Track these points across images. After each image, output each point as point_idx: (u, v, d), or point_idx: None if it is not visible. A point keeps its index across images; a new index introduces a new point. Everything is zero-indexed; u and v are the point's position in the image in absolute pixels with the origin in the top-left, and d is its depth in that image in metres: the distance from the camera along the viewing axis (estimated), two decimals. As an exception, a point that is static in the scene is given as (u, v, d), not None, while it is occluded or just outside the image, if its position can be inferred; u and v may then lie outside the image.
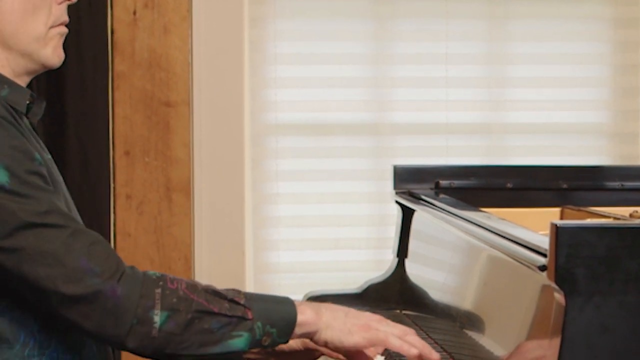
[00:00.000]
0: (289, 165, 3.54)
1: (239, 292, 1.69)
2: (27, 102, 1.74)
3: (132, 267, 1.64)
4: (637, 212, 2.37)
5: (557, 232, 1.50)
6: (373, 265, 3.44)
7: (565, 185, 2.57)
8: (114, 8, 3.37)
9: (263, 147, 3.54)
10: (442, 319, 2.11)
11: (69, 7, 1.78)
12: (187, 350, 1.64)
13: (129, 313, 1.60)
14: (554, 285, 1.52)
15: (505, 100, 3.62)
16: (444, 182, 2.55)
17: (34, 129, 1.78)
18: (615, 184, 2.57)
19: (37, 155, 1.65)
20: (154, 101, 3.39)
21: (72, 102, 3.32)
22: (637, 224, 1.59)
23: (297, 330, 1.69)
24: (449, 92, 3.59)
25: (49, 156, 1.75)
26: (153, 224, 3.36)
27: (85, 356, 1.72)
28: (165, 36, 3.39)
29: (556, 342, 1.51)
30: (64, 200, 1.72)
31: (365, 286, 2.56)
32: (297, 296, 1.93)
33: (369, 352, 1.78)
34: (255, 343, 1.67)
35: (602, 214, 2.32)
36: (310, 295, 2.53)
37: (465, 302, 2.02)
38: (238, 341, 1.66)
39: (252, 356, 1.95)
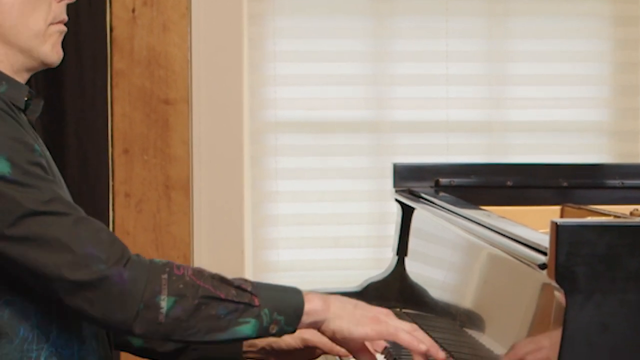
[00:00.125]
0: (289, 163, 3.53)
1: (245, 280, 1.69)
2: (25, 98, 1.74)
3: (137, 255, 1.64)
4: (637, 210, 2.37)
5: (558, 231, 1.50)
6: (373, 263, 3.44)
7: (565, 183, 2.57)
8: (113, 6, 3.37)
9: (262, 145, 3.54)
10: (442, 318, 2.11)
11: (68, 5, 1.78)
12: (194, 337, 1.64)
13: (135, 298, 1.60)
14: (554, 283, 1.52)
15: (505, 98, 3.62)
16: (444, 180, 2.55)
17: (32, 126, 1.78)
18: (616, 182, 2.57)
19: (37, 147, 1.66)
20: (153, 99, 3.39)
21: (71, 99, 3.32)
22: (638, 222, 1.59)
23: (305, 319, 1.69)
24: (449, 90, 3.58)
25: (48, 153, 1.76)
26: (152, 222, 3.36)
27: (84, 351, 1.72)
28: (164, 34, 3.39)
29: (556, 340, 1.50)
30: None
31: (365, 284, 2.55)
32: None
33: (372, 348, 1.78)
34: (262, 330, 1.67)
35: (603, 212, 2.32)
36: (309, 293, 2.52)
37: (465, 300, 2.02)
38: (245, 328, 1.65)
39: (252, 356, 1.96)
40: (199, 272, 1.65)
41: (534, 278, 1.63)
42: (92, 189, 3.33)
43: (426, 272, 2.41)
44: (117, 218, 3.36)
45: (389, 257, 2.60)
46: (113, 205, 3.38)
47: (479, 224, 1.96)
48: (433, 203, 2.34)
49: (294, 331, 1.69)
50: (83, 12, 3.31)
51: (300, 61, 3.53)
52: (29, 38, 1.71)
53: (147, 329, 1.62)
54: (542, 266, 1.56)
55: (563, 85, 3.62)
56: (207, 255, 3.43)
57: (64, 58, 1.78)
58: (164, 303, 1.61)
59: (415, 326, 1.75)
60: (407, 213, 2.55)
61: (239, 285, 1.67)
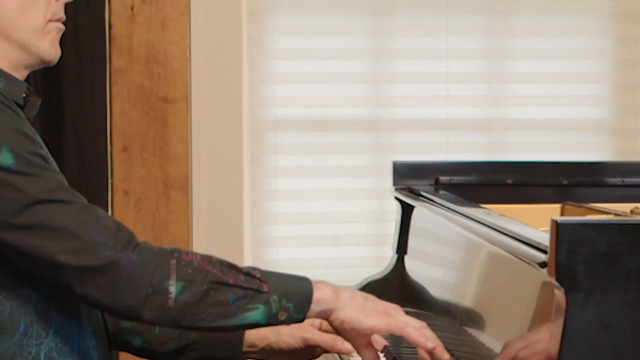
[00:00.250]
0: (288, 161, 3.53)
1: (254, 267, 1.69)
2: (24, 95, 1.74)
3: (145, 242, 1.65)
4: (638, 208, 2.37)
5: (558, 229, 1.50)
6: (372, 261, 3.44)
7: (565, 182, 2.57)
8: (111, 3, 3.37)
9: (262, 143, 3.53)
10: (442, 316, 2.10)
11: (67, 3, 1.78)
12: (203, 323, 1.64)
13: (144, 283, 1.60)
14: (554, 282, 1.52)
15: (505, 95, 3.62)
16: (443, 179, 2.55)
17: (30, 123, 1.78)
18: (616, 180, 2.57)
19: (38, 139, 1.67)
20: (151, 97, 3.39)
21: (69, 97, 3.33)
22: (638, 220, 1.59)
23: (315, 307, 1.68)
24: (449, 88, 3.58)
25: (47, 150, 1.76)
26: (151, 221, 3.35)
27: (84, 347, 1.72)
28: (163, 31, 3.39)
29: (556, 339, 1.50)
30: None
31: (364, 283, 2.55)
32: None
33: (375, 344, 1.78)
34: (272, 317, 1.66)
35: (603, 210, 2.32)
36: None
37: (465, 299, 2.02)
38: (254, 314, 1.65)
39: (252, 356, 1.96)
40: (208, 258, 1.66)
41: (534, 276, 1.63)
42: (90, 187, 3.33)
43: (426, 270, 2.41)
44: (115, 216, 3.36)
45: (389, 256, 2.60)
46: (112, 203, 3.38)
47: (479, 222, 1.96)
48: (433, 201, 2.34)
49: (303, 319, 1.69)
50: (82, 10, 3.31)
51: (299, 59, 3.52)
52: (28, 33, 1.71)
53: (157, 315, 1.62)
54: (542, 264, 1.55)
55: (563, 82, 3.61)
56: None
57: (62, 56, 1.79)
58: (173, 288, 1.61)
59: (423, 323, 1.75)
60: (406, 211, 2.55)
61: (248, 272, 1.67)
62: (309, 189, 3.55)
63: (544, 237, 1.59)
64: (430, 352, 1.74)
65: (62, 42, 1.78)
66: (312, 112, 3.55)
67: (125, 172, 3.39)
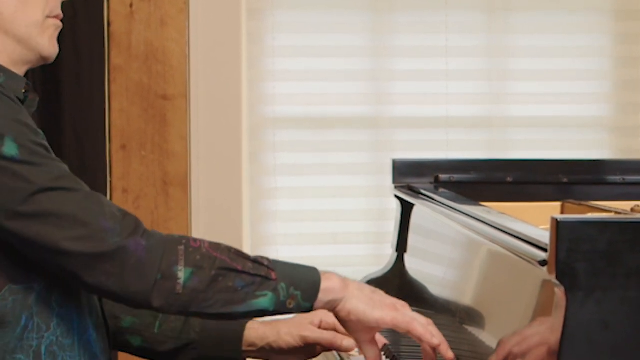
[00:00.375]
0: (287, 159, 3.53)
1: (262, 256, 1.69)
2: (23, 91, 1.74)
3: (152, 229, 1.65)
4: (638, 206, 2.36)
5: (558, 227, 1.49)
6: (372, 260, 3.44)
7: (565, 180, 2.57)
8: (110, 1, 3.36)
9: (261, 141, 3.53)
10: (442, 314, 2.10)
11: (65, 2, 1.79)
12: (212, 309, 1.64)
13: (152, 268, 1.61)
14: (554, 280, 1.51)
15: (505, 93, 3.61)
16: (443, 176, 2.55)
17: (30, 119, 1.79)
18: (617, 178, 2.57)
19: (40, 131, 1.68)
20: (150, 94, 3.39)
21: (68, 95, 3.33)
22: (639, 218, 1.58)
23: (323, 296, 1.68)
24: (448, 85, 3.58)
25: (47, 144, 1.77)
26: (150, 219, 3.35)
27: (84, 341, 1.72)
28: (162, 29, 3.38)
29: (556, 337, 1.50)
30: None
31: (364, 281, 2.55)
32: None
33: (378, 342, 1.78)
34: (280, 305, 1.67)
35: (603, 208, 2.32)
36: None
37: (465, 297, 2.02)
38: (263, 301, 1.66)
39: (252, 355, 1.95)
40: (216, 245, 1.66)
41: (534, 275, 1.63)
42: (89, 185, 3.31)
43: (426, 268, 2.40)
44: (115, 214, 3.36)
45: (388, 254, 2.60)
46: (111, 201, 3.38)
47: (478, 220, 1.96)
48: (433, 199, 2.34)
49: (311, 308, 1.69)
50: (80, 7, 3.31)
51: (299, 56, 3.52)
52: (28, 28, 1.72)
53: (166, 300, 1.62)
54: (543, 263, 1.55)
55: (563, 80, 3.61)
56: (206, 252, 3.43)
57: (61, 53, 1.80)
58: (181, 274, 1.62)
59: (430, 321, 1.75)
60: (406, 209, 2.54)
61: (256, 259, 1.67)
62: (308, 186, 3.54)
63: (544, 235, 1.59)
64: (434, 350, 1.74)
65: (61, 39, 1.78)
66: (312, 110, 3.55)
67: (124, 169, 3.39)
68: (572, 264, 1.49)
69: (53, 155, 1.67)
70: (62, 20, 1.78)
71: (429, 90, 3.58)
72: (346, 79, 3.55)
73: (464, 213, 2.07)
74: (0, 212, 1.60)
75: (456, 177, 2.55)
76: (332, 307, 1.71)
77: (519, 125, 3.62)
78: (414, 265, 2.49)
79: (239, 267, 1.65)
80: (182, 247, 1.63)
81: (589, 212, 2.34)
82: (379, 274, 2.55)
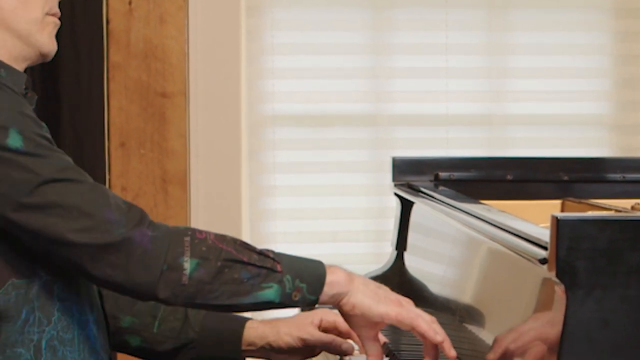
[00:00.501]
0: (287, 157, 3.53)
1: (267, 248, 1.70)
2: (24, 87, 1.75)
3: (158, 221, 1.66)
4: (638, 204, 2.36)
5: (558, 225, 1.49)
6: (372, 258, 3.44)
7: (566, 177, 2.56)
8: (109, -2, 3.37)
9: (260, 139, 3.53)
10: (442, 313, 2.10)
11: (63, 0, 1.80)
12: (217, 300, 1.64)
13: (158, 259, 1.61)
14: (554, 278, 1.51)
15: (505, 90, 3.61)
16: (443, 174, 2.55)
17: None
18: (617, 176, 2.56)
19: (44, 123, 1.68)
20: (149, 92, 3.39)
21: (67, 93, 3.33)
22: (639, 216, 1.58)
23: (328, 289, 1.68)
24: (448, 83, 3.58)
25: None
26: (149, 217, 3.35)
27: (84, 336, 1.72)
28: (161, 26, 3.38)
29: (556, 335, 1.49)
30: None
31: (364, 279, 2.54)
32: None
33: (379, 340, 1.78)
34: (285, 297, 1.67)
35: (604, 206, 2.31)
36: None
37: (465, 295, 2.01)
38: (268, 292, 1.66)
39: (251, 355, 1.95)
40: (222, 237, 1.66)
41: (534, 273, 1.62)
42: (88, 183, 3.32)
43: (425, 266, 2.40)
44: (114, 212, 3.36)
45: (388, 252, 2.59)
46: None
47: (478, 218, 1.95)
48: (432, 197, 2.33)
49: (316, 301, 1.69)
50: (79, 5, 3.31)
51: (298, 54, 3.52)
52: (28, 24, 1.73)
53: (172, 292, 1.62)
54: (543, 261, 1.55)
55: (564, 78, 3.61)
56: (205, 250, 3.43)
57: (59, 51, 1.80)
58: (187, 265, 1.62)
59: (434, 318, 1.74)
60: (406, 207, 2.54)
61: (262, 251, 1.67)
62: (307, 184, 3.54)
63: (544, 233, 1.58)
64: (436, 347, 1.73)
65: (60, 37, 1.79)
66: (311, 108, 3.55)
67: (123, 167, 3.39)
68: (572, 262, 1.48)
69: (57, 147, 1.67)
70: (60, 19, 1.79)
71: (429, 87, 3.57)
72: (346, 76, 3.54)
73: (463, 211, 2.06)
74: (5, 203, 1.60)
75: (456, 175, 2.55)
76: (336, 301, 1.71)
77: (519, 123, 3.61)
78: (413, 264, 2.49)
79: (245, 259, 1.65)
80: (188, 239, 1.63)
81: (589, 210, 2.34)
82: (379, 272, 2.55)
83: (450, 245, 2.16)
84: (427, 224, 2.40)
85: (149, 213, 1.67)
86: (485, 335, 1.84)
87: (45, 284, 1.67)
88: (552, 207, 2.50)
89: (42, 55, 1.76)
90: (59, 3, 1.78)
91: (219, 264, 1.63)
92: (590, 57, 3.62)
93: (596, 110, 3.64)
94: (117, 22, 3.38)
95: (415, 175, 2.56)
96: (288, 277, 1.67)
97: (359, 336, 1.76)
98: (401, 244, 2.55)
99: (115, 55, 3.38)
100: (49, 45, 1.76)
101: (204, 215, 3.43)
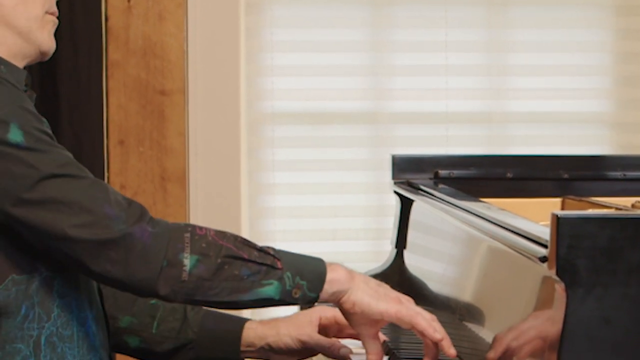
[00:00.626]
0: (286, 155, 3.52)
1: (267, 245, 1.70)
2: (24, 83, 1.75)
3: (158, 218, 1.66)
4: (639, 202, 2.35)
5: (558, 223, 1.48)
6: (371, 256, 3.43)
7: (566, 175, 2.56)
8: (108, -5, 3.37)
9: (259, 136, 3.53)
10: (441, 311, 2.09)
11: (62, -1, 1.81)
12: (217, 297, 1.64)
13: (158, 255, 1.61)
14: (554, 276, 1.50)
15: (505, 88, 3.61)
16: (443, 172, 2.55)
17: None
18: (617, 174, 2.56)
19: (44, 119, 1.68)
20: (148, 89, 3.38)
21: (65, 90, 3.33)
22: (639, 214, 1.58)
23: (328, 287, 1.69)
24: (448, 81, 3.57)
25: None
26: (148, 215, 3.35)
27: (83, 333, 1.72)
28: (160, 23, 3.38)
29: (556, 333, 1.49)
30: None
31: (363, 277, 2.54)
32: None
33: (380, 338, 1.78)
34: (286, 294, 1.67)
35: (604, 204, 2.31)
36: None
37: (465, 293, 2.01)
38: (269, 289, 1.66)
39: (250, 356, 1.95)
40: (222, 233, 1.67)
41: (535, 271, 1.62)
42: (87, 181, 3.32)
43: (425, 265, 2.40)
44: (113, 210, 3.36)
45: (388, 250, 2.59)
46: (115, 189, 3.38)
47: (478, 216, 1.95)
48: (432, 195, 2.33)
49: (316, 298, 1.69)
50: (78, 2, 3.30)
51: (298, 51, 3.52)
52: (28, 21, 1.73)
53: (172, 289, 1.62)
54: (543, 259, 1.54)
55: (564, 75, 3.60)
56: (204, 248, 3.42)
57: (58, 49, 1.81)
58: (187, 261, 1.62)
59: (434, 316, 1.74)
60: (405, 205, 2.54)
61: (262, 248, 1.67)
62: (307, 182, 3.54)
63: (544, 231, 1.58)
64: (436, 345, 1.73)
65: (58, 34, 1.79)
66: (310, 105, 3.54)
67: (122, 165, 3.39)
68: (572, 260, 1.48)
69: (57, 143, 1.68)
70: (58, 17, 1.79)
71: (429, 85, 3.57)
72: (345, 74, 3.54)
73: (463, 209, 2.06)
74: (5, 198, 1.60)
75: (456, 172, 2.55)
76: (337, 299, 1.71)
77: (519, 121, 3.61)
78: (413, 262, 2.48)
79: (245, 256, 1.65)
80: (188, 235, 1.63)
81: (589, 208, 2.34)
82: (378, 271, 2.55)
83: (450, 243, 2.16)
84: (427, 222, 2.39)
85: (148, 211, 1.67)
86: (485, 333, 1.84)
87: (45, 280, 1.67)
88: (552, 205, 2.49)
89: (42, 53, 1.77)
90: (57, 2, 1.79)
91: (219, 260, 1.63)
92: (591, 55, 3.62)
93: (597, 108, 3.64)
94: (116, 20, 3.37)
95: (414, 173, 2.56)
96: (288, 274, 1.67)
97: (359, 334, 1.76)
98: (401, 242, 2.55)
99: (114, 52, 3.37)
100: (49, 43, 1.76)
101: (203, 213, 3.43)
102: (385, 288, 1.74)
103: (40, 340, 1.67)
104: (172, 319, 1.92)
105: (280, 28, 3.51)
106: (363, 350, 1.79)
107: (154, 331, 1.92)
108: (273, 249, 1.69)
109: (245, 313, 2.89)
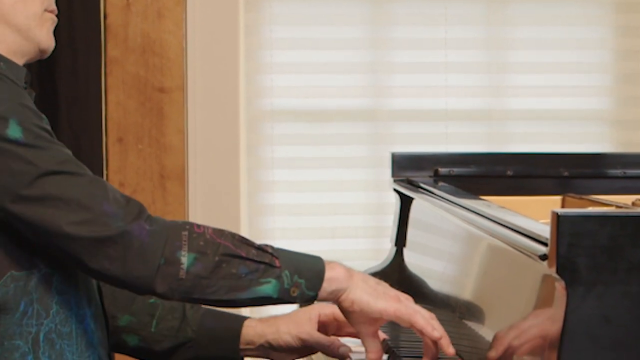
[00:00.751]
0: (285, 152, 3.52)
1: (266, 244, 1.69)
2: (24, 81, 1.75)
3: (156, 215, 1.66)
4: (639, 200, 2.35)
5: (559, 221, 1.48)
6: (371, 254, 3.43)
7: (566, 173, 2.56)
8: (107, -8, 3.36)
9: (259, 134, 3.52)
10: (441, 309, 2.09)
11: (60, -2, 1.81)
12: (215, 295, 1.64)
13: (156, 253, 1.61)
14: (555, 274, 1.50)
15: (505, 86, 3.61)
16: (443, 170, 2.55)
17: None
18: (618, 172, 2.56)
19: (44, 115, 1.68)
20: (147, 87, 3.38)
21: (64, 88, 3.33)
22: (641, 212, 1.58)
23: (327, 286, 1.69)
24: (448, 78, 3.57)
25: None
26: (147, 212, 3.35)
27: (82, 330, 1.72)
28: (159, 21, 3.37)
29: (556, 331, 1.49)
30: None
31: (363, 275, 2.53)
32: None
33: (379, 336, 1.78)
34: (283, 292, 1.67)
35: (604, 202, 2.31)
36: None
37: (465, 291, 2.01)
38: (266, 287, 1.66)
39: (250, 354, 1.94)
40: (220, 231, 1.66)
41: (535, 269, 1.62)
42: (86, 179, 3.32)
43: (425, 263, 2.40)
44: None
45: (387, 248, 2.59)
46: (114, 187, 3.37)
47: (478, 214, 1.95)
48: (432, 193, 2.33)
49: (315, 296, 1.69)
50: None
51: (297, 49, 3.52)
52: (27, 18, 1.74)
53: (169, 287, 1.62)
54: (543, 257, 1.54)
55: (564, 73, 3.60)
56: (204, 246, 3.42)
57: (57, 46, 1.81)
58: (185, 259, 1.62)
59: (433, 315, 1.75)
60: (405, 203, 2.53)
61: (260, 247, 1.67)
62: (306, 180, 3.54)
63: (544, 229, 1.57)
64: (435, 344, 1.73)
65: (57, 31, 1.80)
66: (310, 103, 3.54)
67: (121, 163, 3.38)
68: (572, 258, 1.48)
69: (56, 140, 1.68)
70: (57, 16, 1.79)
71: (428, 82, 3.57)
72: (345, 71, 3.54)
73: (463, 207, 2.06)
74: (4, 195, 1.60)
75: (456, 170, 2.55)
76: (335, 297, 1.71)
77: (519, 118, 3.61)
78: (413, 260, 2.48)
79: (243, 254, 1.65)
80: (185, 233, 1.63)
81: (589, 206, 2.34)
82: (378, 269, 2.55)
83: (450, 241, 2.16)
84: (427, 220, 2.39)
85: (147, 209, 1.67)
86: (485, 332, 1.83)
87: (44, 277, 1.67)
88: (552, 203, 2.49)
89: (41, 51, 1.77)
90: (56, 0, 1.79)
91: (216, 258, 1.63)
92: (591, 52, 3.61)
93: (597, 106, 3.63)
94: (115, 17, 3.37)
95: (414, 171, 2.55)
96: (286, 272, 1.66)
97: (358, 333, 1.76)
98: (400, 240, 2.55)
99: (112, 50, 3.37)
100: (48, 41, 1.77)
101: (202, 211, 3.43)
102: (384, 286, 1.74)
103: (38, 336, 1.67)
104: (171, 317, 1.92)
105: (279, 25, 3.51)
106: (363, 349, 1.78)
107: (153, 330, 1.92)
108: (271, 247, 1.69)
109: (244, 311, 2.88)
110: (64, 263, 1.67)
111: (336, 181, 3.55)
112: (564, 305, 1.48)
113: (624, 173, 2.56)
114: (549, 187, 2.55)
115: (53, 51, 1.79)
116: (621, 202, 2.28)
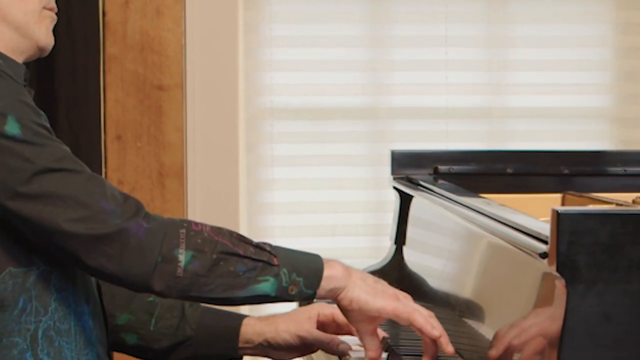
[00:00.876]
0: (285, 150, 3.52)
1: (264, 242, 1.69)
2: (23, 79, 1.76)
3: (154, 213, 1.66)
4: (640, 197, 2.35)
5: (559, 219, 1.48)
6: (370, 252, 3.43)
7: (566, 171, 2.56)
8: (105, -10, 3.36)
9: (258, 132, 3.53)
10: (441, 308, 2.09)
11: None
12: (212, 293, 1.64)
13: (153, 251, 1.61)
14: (555, 272, 1.50)
15: (505, 83, 3.61)
16: (442, 168, 2.55)
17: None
18: (618, 170, 2.56)
19: (42, 112, 1.68)
20: (146, 85, 3.38)
21: (62, 85, 3.33)
22: (641, 210, 1.57)
23: (325, 284, 1.69)
24: (448, 76, 3.57)
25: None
26: (145, 211, 3.35)
27: (80, 327, 1.72)
28: (158, 18, 3.38)
29: (557, 329, 1.48)
30: None
31: (362, 273, 2.53)
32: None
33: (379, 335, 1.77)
34: (282, 291, 1.66)
35: (605, 200, 2.31)
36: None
37: (465, 290, 2.01)
38: (264, 286, 1.66)
39: (249, 352, 1.95)
40: (218, 229, 1.66)
41: (535, 267, 1.61)
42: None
43: (425, 261, 2.40)
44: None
45: (387, 246, 2.59)
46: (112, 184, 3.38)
47: (478, 212, 1.95)
48: (432, 191, 2.33)
49: (313, 295, 1.69)
50: (75, -4, 3.31)
51: (296, 46, 3.52)
52: (26, 16, 1.74)
53: (166, 285, 1.62)
54: (543, 255, 1.54)
55: (564, 70, 3.60)
56: (203, 244, 3.42)
57: (55, 43, 1.81)
58: (182, 257, 1.62)
59: (431, 313, 1.75)
60: (405, 201, 2.53)
61: (258, 245, 1.67)
62: (306, 178, 3.54)
63: (544, 227, 1.57)
64: (434, 342, 1.73)
65: (55, 29, 1.80)
66: (309, 100, 3.54)
67: (120, 161, 3.39)
68: (573, 256, 1.48)
69: (55, 137, 1.68)
70: (57, 15, 1.79)
71: (428, 80, 3.57)
72: (344, 69, 3.54)
73: (463, 205, 2.06)
74: (1, 192, 1.60)
75: (456, 168, 2.55)
76: (334, 295, 1.71)
77: (519, 116, 3.61)
78: (412, 258, 2.48)
79: (241, 252, 1.65)
80: (183, 231, 1.63)
81: (590, 204, 2.34)
82: (378, 267, 2.55)
83: (450, 239, 2.16)
84: (427, 218, 2.39)
85: (146, 207, 1.66)
86: (485, 330, 1.83)
87: (42, 274, 1.67)
88: (552, 201, 2.49)
89: (39, 49, 1.77)
90: None
91: (214, 256, 1.63)
92: (591, 50, 3.61)
93: (597, 103, 3.63)
94: (114, 14, 3.37)
95: (414, 169, 2.56)
96: (285, 270, 1.66)
97: (357, 331, 1.76)
98: (400, 238, 2.55)
99: (111, 47, 3.37)
100: (46, 39, 1.76)
101: (201, 209, 3.43)
102: (383, 285, 1.74)
103: (37, 333, 1.67)
104: (170, 316, 1.92)
105: (278, 23, 3.51)
106: (362, 347, 1.78)
107: (151, 328, 1.92)
108: (269, 245, 1.68)
109: (243, 309, 2.88)
110: (62, 260, 1.67)
111: (336, 179, 3.55)
112: (564, 304, 1.48)
113: (625, 171, 2.56)
114: (549, 185, 2.55)
115: (52, 48, 1.79)
116: (621, 200, 2.28)
